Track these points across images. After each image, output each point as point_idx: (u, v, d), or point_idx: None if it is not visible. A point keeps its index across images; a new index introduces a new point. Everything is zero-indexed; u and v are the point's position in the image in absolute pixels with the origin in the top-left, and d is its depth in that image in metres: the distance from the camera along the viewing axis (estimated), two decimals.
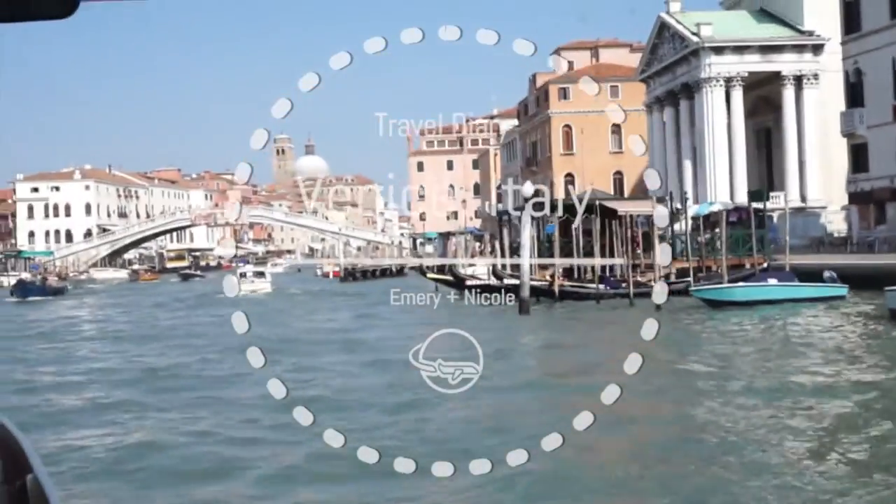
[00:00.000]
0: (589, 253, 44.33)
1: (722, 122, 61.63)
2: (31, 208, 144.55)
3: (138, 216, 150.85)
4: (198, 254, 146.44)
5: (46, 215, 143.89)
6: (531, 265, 34.43)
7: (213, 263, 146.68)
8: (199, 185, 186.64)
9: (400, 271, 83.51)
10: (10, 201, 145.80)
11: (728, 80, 61.38)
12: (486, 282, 41.85)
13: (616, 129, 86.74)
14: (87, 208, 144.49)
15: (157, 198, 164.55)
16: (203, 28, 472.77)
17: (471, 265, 50.89)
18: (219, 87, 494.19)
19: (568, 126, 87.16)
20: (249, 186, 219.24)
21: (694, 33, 61.61)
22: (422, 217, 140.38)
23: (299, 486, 12.44)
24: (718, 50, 61.27)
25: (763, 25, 62.28)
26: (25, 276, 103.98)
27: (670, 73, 66.63)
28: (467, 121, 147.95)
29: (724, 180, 60.85)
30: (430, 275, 46.73)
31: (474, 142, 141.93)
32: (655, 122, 70.81)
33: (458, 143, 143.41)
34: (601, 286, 39.10)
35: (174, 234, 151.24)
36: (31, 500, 2.56)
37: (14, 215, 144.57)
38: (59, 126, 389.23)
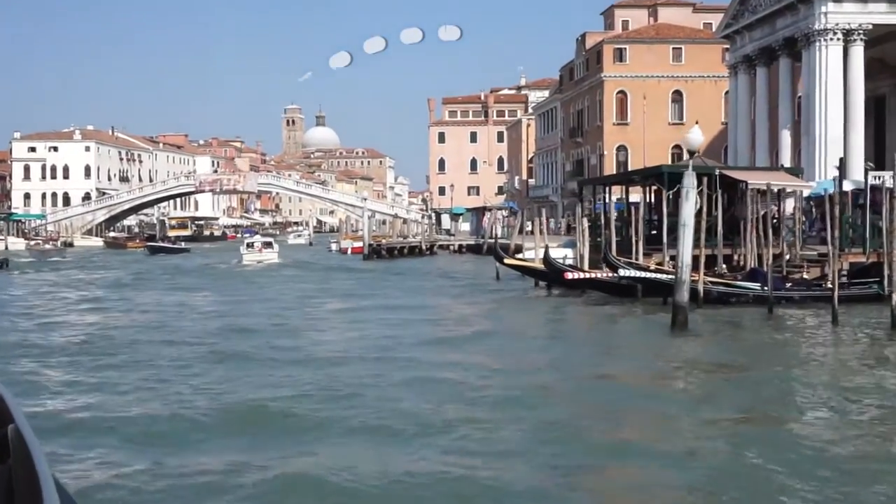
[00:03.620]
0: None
1: (838, 84, 49.36)
2: (27, 169, 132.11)
3: (140, 181, 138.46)
4: (202, 222, 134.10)
5: (43, 177, 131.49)
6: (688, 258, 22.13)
7: (217, 233, 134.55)
8: (205, 152, 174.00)
9: (430, 249, 71.40)
10: (8, 162, 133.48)
11: (847, 34, 49.18)
12: (596, 277, 29.79)
13: (677, 96, 74.67)
14: (87, 171, 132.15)
15: (161, 162, 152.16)
16: None
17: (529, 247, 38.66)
18: (234, 53, 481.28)
19: (622, 92, 74.80)
20: (259, 155, 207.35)
21: None
22: (441, 191, 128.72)
23: None
24: None
25: None
26: (13, 239, 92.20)
27: (768, 25, 54.26)
28: (492, 91, 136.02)
29: (835, 154, 48.66)
30: (508, 260, 34.50)
31: (500, 113, 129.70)
32: (741, 86, 58.36)
33: (482, 113, 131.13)
34: (754, 284, 26.74)
35: (178, 201, 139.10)
36: (12, 450, 2.50)
37: (10, 176, 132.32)
38: (64, 86, 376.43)
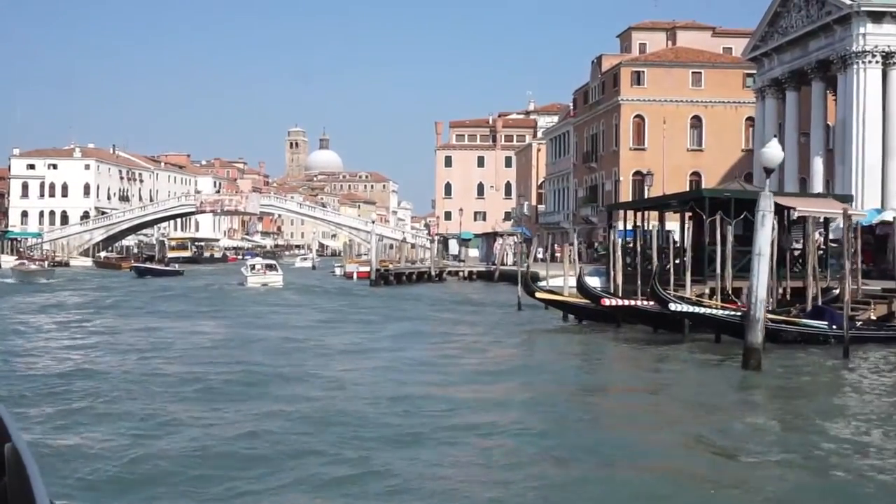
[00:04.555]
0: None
1: (876, 109, 46.83)
2: (25, 186, 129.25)
3: (141, 200, 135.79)
4: (202, 244, 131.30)
5: (42, 195, 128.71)
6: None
7: (217, 255, 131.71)
8: (207, 172, 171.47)
9: (439, 276, 68.62)
10: (6, 179, 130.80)
11: (886, 57, 46.66)
12: (636, 305, 27.00)
13: (696, 122, 72.10)
14: (87, 189, 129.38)
15: (162, 182, 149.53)
16: (223, 14, 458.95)
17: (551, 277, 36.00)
18: (239, 74, 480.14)
19: (640, 117, 72.19)
20: (261, 177, 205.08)
21: None
22: (447, 216, 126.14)
23: None
24: (877, 17, 46.47)
25: None
26: (6, 258, 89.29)
27: (799, 48, 51.75)
28: (500, 116, 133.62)
29: (873, 184, 46.12)
30: (540, 294, 31.60)
31: (508, 137, 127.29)
32: (768, 110, 55.80)
33: (490, 137, 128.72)
34: (821, 322, 23.85)
35: (178, 221, 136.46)
36: (8, 468, 2.50)
37: (8, 194, 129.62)
38: (65, 104, 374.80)
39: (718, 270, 27.82)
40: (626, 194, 72.02)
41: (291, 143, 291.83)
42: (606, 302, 26.85)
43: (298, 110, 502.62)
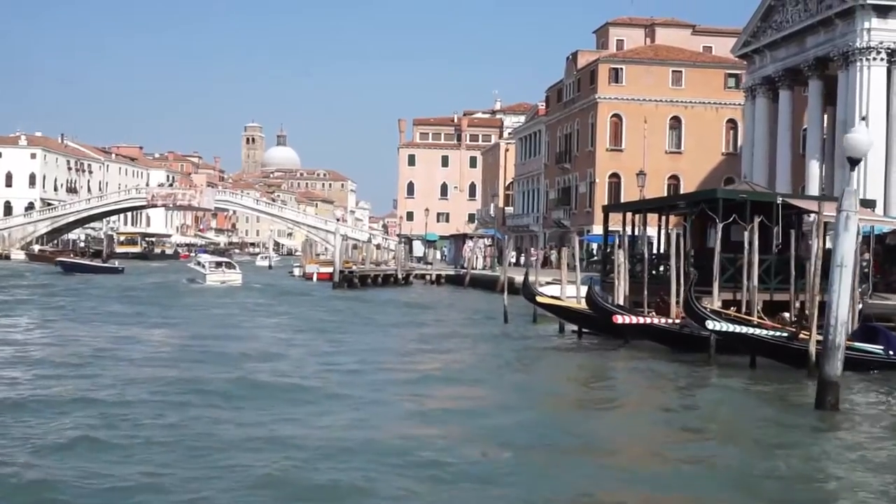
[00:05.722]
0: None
1: (880, 109, 43.84)
2: None
3: (90, 192, 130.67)
4: (153, 239, 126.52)
5: None
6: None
7: (169, 251, 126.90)
8: (161, 165, 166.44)
9: (405, 279, 65.00)
10: None
11: (892, 54, 43.79)
12: (653, 323, 23.58)
13: (675, 123, 69.10)
14: (32, 179, 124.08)
15: (113, 174, 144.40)
16: (182, 6, 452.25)
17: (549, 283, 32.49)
18: (195, 67, 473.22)
19: (617, 116, 68.99)
20: (217, 172, 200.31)
21: None
22: (409, 216, 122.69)
23: None
24: (882, 11, 43.54)
25: None
26: None
27: (795, 44, 48.74)
28: (466, 114, 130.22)
29: (875, 188, 43.22)
30: (542, 299, 28.04)
31: (473, 137, 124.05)
32: (759, 110, 52.76)
33: (455, 136, 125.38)
34: (876, 347, 20.43)
35: (129, 215, 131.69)
36: None
37: None
38: (11, 89, 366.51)
39: (749, 281, 24.36)
40: (601, 197, 68.76)
41: (248, 139, 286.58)
42: (618, 319, 23.40)
43: (256, 105, 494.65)
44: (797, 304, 26.17)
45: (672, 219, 39.03)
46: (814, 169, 47.59)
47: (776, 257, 26.79)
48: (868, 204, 32.75)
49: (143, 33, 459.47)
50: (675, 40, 74.34)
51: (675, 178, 68.57)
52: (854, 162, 15.20)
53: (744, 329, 20.64)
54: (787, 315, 24.71)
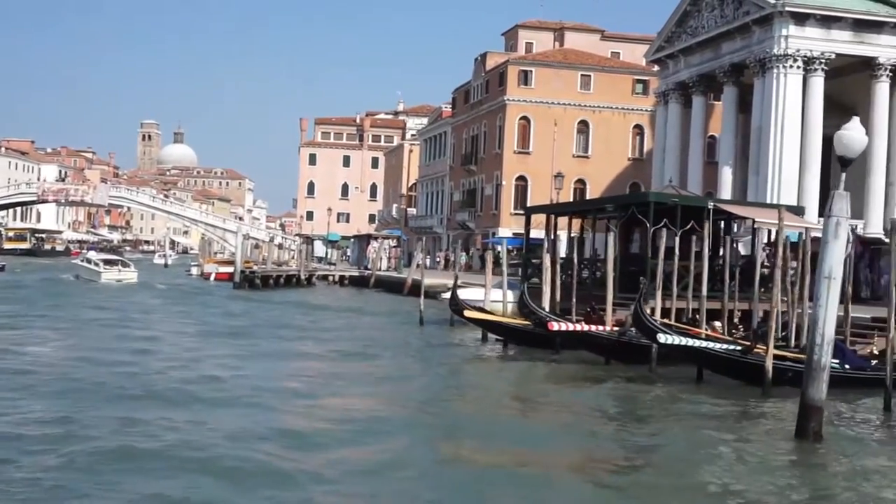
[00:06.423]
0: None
1: (795, 118, 43.06)
2: None
3: None
4: (43, 236, 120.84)
5: None
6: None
7: (60, 248, 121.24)
8: (53, 160, 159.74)
9: (309, 280, 62.35)
10: None
11: (808, 63, 42.99)
12: (591, 331, 21.62)
13: (583, 127, 67.94)
14: None
15: (2, 168, 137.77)
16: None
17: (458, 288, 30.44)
18: (91, 61, 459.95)
19: (525, 118, 67.51)
20: (111, 168, 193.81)
21: None
22: (309, 216, 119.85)
23: None
24: (800, 18, 42.73)
25: None
26: None
27: (710, 49, 47.75)
28: (368, 115, 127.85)
29: (789, 196, 42.30)
30: (471, 314, 25.73)
31: (376, 137, 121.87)
32: (671, 116, 51.69)
33: (357, 136, 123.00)
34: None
35: (18, 211, 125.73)
36: None
37: None
38: None
39: (699, 291, 22.65)
40: (508, 199, 67.49)
41: (144, 136, 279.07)
42: (554, 326, 21.43)
43: (153, 102, 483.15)
44: (736, 313, 24.74)
45: (574, 223, 37.45)
46: (726, 175, 46.68)
47: (707, 264, 25.05)
48: (798, 211, 31.64)
49: (33, 23, 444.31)
50: (583, 45, 73.43)
51: (581, 182, 67.41)
52: (846, 162, 13.44)
53: (697, 342, 18.90)
54: (717, 324, 23.16)
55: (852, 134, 13.32)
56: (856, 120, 13.98)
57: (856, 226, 41.68)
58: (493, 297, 28.54)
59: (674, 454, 12.91)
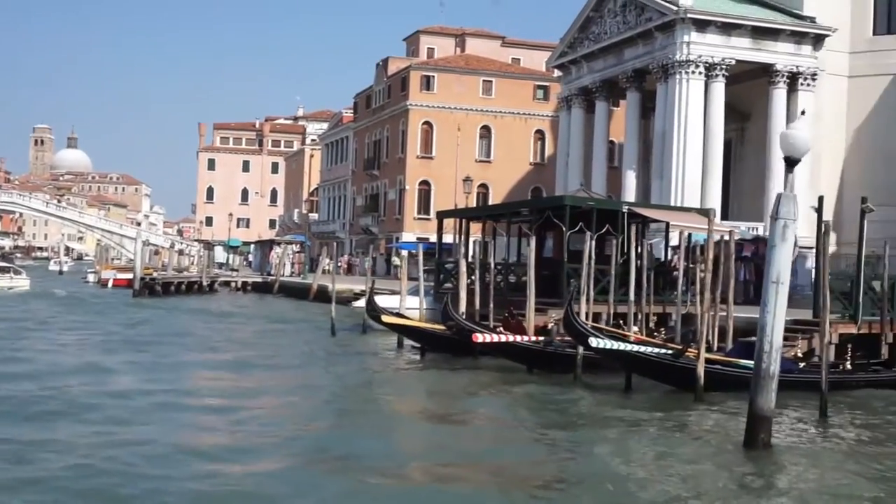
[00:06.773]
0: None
1: (698, 122, 43.40)
2: None
3: None
4: None
5: None
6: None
7: None
8: None
9: (210, 286, 60.76)
10: None
11: (709, 69, 43.34)
12: (516, 342, 20.98)
13: (485, 132, 67.81)
14: None
15: None
16: None
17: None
18: None
19: (428, 123, 67.10)
20: (1, 174, 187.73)
21: (669, 1, 43.35)
22: (208, 222, 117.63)
23: None
24: (702, 25, 43.08)
25: (747, 6, 44.89)
26: None
27: (613, 55, 47.91)
28: (268, 120, 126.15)
29: (693, 200, 42.58)
30: (388, 319, 24.98)
31: (275, 142, 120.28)
32: (574, 121, 51.72)
33: (256, 142, 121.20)
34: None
35: None
36: None
37: None
38: None
39: (628, 294, 22.29)
40: (411, 204, 67.01)
41: (36, 141, 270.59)
42: (479, 338, 20.73)
43: (45, 107, 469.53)
44: (652, 317, 24.55)
45: (473, 226, 36.90)
46: (630, 179, 46.87)
47: (621, 268, 24.78)
48: (706, 213, 31.65)
49: None
50: (484, 51, 73.43)
51: (484, 186, 67.26)
52: (792, 162, 13.10)
53: (629, 347, 18.47)
54: (635, 328, 22.89)
55: (798, 133, 13.03)
56: (802, 119, 13.70)
57: (756, 228, 42.51)
58: (409, 303, 27.80)
59: (615, 467, 12.27)
